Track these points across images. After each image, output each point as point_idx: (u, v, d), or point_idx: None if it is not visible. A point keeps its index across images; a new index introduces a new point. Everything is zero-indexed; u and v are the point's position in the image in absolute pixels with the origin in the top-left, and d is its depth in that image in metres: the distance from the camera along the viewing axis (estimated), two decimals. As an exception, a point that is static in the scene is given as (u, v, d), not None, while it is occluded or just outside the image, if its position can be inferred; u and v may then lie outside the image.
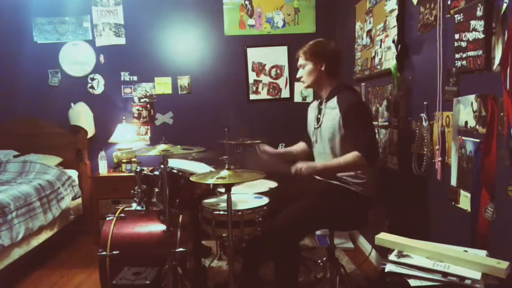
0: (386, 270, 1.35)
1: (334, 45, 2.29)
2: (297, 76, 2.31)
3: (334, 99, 2.17)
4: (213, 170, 2.22)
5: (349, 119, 2.08)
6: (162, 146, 2.09)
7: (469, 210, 1.68)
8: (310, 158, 2.38)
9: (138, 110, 4.00)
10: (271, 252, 2.12)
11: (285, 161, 2.38)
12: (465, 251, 1.40)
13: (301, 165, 2.05)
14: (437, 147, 1.93)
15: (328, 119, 2.18)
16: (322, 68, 2.20)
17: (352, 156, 2.02)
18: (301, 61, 2.26)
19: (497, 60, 1.44)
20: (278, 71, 3.97)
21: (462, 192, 1.74)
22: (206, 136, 3.30)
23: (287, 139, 2.83)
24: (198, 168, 2.40)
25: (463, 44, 1.64)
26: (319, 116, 2.27)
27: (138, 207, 2.30)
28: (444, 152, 1.89)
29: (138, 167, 2.34)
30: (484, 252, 1.41)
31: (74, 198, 3.59)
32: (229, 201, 1.85)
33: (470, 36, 1.58)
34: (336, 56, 2.25)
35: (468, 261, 1.28)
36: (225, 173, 1.86)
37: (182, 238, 2.26)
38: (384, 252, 1.53)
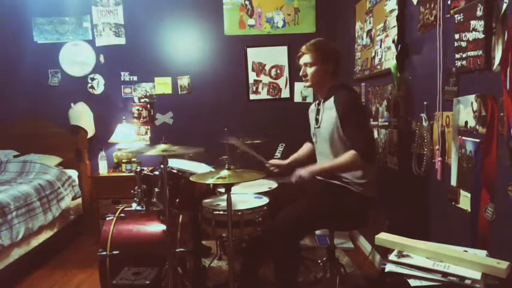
0: (386, 270, 1.35)
1: (336, 45, 2.32)
2: (301, 74, 2.26)
3: (331, 99, 2.17)
4: (213, 170, 2.22)
5: (345, 118, 2.09)
6: (161, 146, 2.09)
7: (469, 210, 1.68)
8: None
9: (138, 110, 3.99)
10: (271, 252, 2.12)
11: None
12: (465, 251, 1.40)
13: (300, 172, 2.09)
14: (437, 147, 1.93)
15: (326, 120, 2.19)
16: (329, 70, 2.21)
17: (348, 155, 2.02)
18: (308, 59, 2.21)
19: (497, 60, 1.44)
20: (278, 71, 3.97)
21: (462, 192, 1.73)
22: (206, 136, 3.29)
23: (287, 139, 2.82)
24: (198, 168, 2.40)
25: (463, 44, 1.64)
26: (317, 116, 2.28)
27: (138, 207, 2.30)
28: (444, 152, 1.89)
29: (138, 167, 2.34)
30: (484, 252, 1.41)
31: (74, 198, 3.60)
32: (229, 201, 1.85)
33: (470, 36, 1.58)
34: (340, 57, 2.27)
35: (468, 261, 1.28)
36: (225, 173, 1.86)
37: (182, 238, 2.26)
38: (384, 252, 1.53)
